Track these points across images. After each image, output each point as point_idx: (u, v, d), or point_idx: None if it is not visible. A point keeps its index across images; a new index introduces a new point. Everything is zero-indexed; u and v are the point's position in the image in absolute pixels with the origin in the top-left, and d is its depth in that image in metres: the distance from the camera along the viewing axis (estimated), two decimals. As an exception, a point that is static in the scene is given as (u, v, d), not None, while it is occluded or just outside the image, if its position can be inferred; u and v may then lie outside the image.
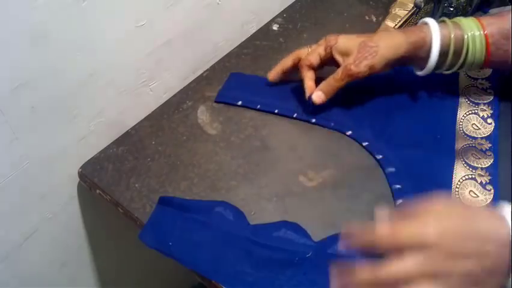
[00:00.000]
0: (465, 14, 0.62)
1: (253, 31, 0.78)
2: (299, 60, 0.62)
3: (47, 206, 0.59)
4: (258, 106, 0.63)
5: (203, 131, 0.62)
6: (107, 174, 0.58)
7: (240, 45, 0.75)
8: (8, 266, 0.57)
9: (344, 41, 0.58)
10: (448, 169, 0.54)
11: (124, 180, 0.57)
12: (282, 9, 0.81)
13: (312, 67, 0.61)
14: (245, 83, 0.67)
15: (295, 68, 0.62)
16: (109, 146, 0.61)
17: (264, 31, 0.78)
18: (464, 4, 0.60)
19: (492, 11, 0.66)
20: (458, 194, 0.52)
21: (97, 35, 0.52)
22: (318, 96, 0.59)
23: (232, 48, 0.74)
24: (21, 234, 0.57)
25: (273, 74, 0.64)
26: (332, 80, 0.58)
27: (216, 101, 0.65)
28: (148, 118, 0.65)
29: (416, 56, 0.56)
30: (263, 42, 0.76)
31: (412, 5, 0.78)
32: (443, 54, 0.55)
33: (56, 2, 0.46)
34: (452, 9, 0.61)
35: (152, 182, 0.57)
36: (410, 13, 0.78)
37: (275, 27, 0.79)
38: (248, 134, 0.61)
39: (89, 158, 0.60)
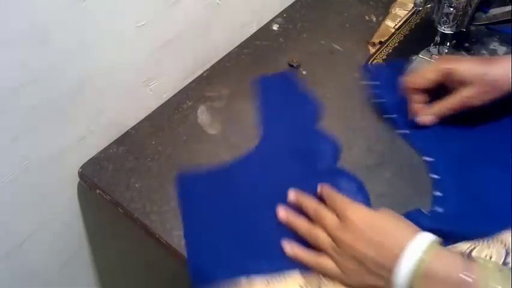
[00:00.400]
0: (465, 14, 0.61)
1: (253, 31, 0.78)
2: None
3: (47, 206, 0.59)
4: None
5: (203, 131, 0.62)
6: (107, 174, 0.58)
7: (240, 45, 0.75)
8: (8, 265, 0.57)
9: (462, 70, 0.55)
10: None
11: (124, 180, 0.57)
12: (282, 9, 0.82)
13: (418, 90, 0.58)
14: (389, 74, 0.66)
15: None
16: (109, 146, 0.61)
17: (264, 31, 0.78)
18: (464, 4, 0.60)
19: (492, 11, 0.66)
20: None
21: (97, 35, 0.52)
22: (428, 119, 0.58)
23: (232, 48, 0.74)
24: (21, 234, 0.57)
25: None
26: (444, 107, 0.57)
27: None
28: (148, 118, 0.65)
29: None
30: (263, 42, 0.76)
31: (412, 5, 0.78)
32: None
33: (56, 2, 0.46)
34: (452, 9, 0.61)
35: (152, 182, 0.57)
36: (410, 13, 0.78)
37: (275, 27, 0.79)
38: (248, 134, 0.61)
39: (89, 158, 0.60)
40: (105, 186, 0.57)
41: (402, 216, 0.46)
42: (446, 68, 0.56)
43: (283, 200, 0.51)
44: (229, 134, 0.62)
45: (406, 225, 0.45)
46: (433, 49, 0.68)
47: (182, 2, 0.61)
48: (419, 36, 0.74)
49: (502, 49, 0.70)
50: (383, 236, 0.43)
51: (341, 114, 0.63)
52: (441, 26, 0.64)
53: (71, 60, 0.51)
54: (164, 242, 0.51)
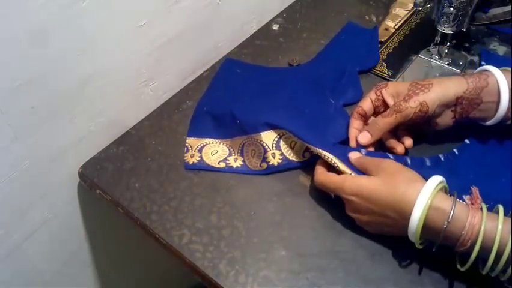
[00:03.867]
0: (465, 14, 0.62)
1: (253, 31, 0.78)
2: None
3: (47, 206, 0.59)
4: None
5: (203, 131, 0.62)
6: (107, 174, 0.58)
7: (240, 45, 0.75)
8: (8, 265, 0.57)
9: (395, 84, 0.56)
10: None
11: (124, 180, 0.57)
12: (282, 9, 0.82)
13: (363, 114, 0.57)
14: None
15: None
16: (109, 146, 0.61)
17: (264, 31, 0.78)
18: (464, 4, 0.60)
19: (492, 11, 0.66)
20: None
21: (97, 35, 0.52)
22: (363, 136, 0.54)
23: (232, 48, 0.74)
24: (21, 234, 0.57)
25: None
26: (379, 118, 0.54)
27: None
28: (148, 118, 0.65)
29: (477, 101, 0.52)
30: (263, 42, 0.76)
31: (412, 5, 0.78)
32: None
33: (56, 2, 0.46)
34: (452, 9, 0.61)
35: (152, 182, 0.57)
36: (410, 13, 0.78)
37: (275, 27, 0.79)
38: (248, 134, 0.61)
39: (89, 158, 0.60)
40: (105, 186, 0.57)
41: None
42: (381, 84, 0.56)
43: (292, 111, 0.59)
44: (229, 134, 0.61)
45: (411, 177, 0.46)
46: (433, 49, 0.68)
47: (182, 2, 0.61)
48: (419, 36, 0.74)
49: (502, 49, 0.70)
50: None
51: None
52: (441, 26, 0.64)
53: (71, 60, 0.51)
54: (165, 242, 0.51)
